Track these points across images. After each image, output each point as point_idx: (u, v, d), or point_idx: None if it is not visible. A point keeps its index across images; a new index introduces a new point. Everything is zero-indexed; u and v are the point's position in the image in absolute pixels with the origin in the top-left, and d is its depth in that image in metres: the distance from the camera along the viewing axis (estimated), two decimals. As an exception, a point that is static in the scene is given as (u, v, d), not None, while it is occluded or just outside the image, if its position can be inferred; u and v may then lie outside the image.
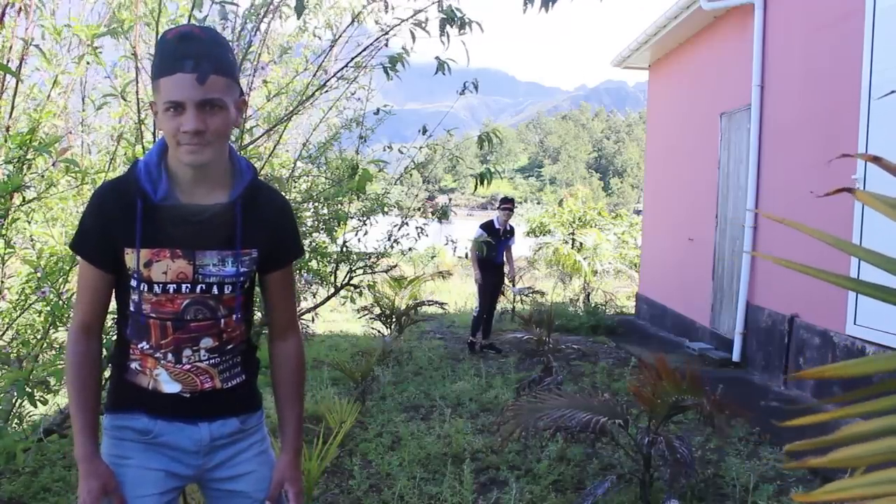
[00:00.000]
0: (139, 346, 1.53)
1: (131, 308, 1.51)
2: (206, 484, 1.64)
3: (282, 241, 1.61)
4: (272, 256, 1.60)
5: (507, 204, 7.81)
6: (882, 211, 0.77)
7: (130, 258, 1.47)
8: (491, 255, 7.53)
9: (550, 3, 2.51)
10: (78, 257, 1.52)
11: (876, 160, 0.79)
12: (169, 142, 1.43)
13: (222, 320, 1.54)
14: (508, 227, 7.80)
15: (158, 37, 1.57)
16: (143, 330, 1.51)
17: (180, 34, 1.40)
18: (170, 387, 1.54)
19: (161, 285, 1.48)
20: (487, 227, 7.70)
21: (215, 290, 1.52)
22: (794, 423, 0.78)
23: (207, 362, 1.55)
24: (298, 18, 2.69)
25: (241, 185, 1.52)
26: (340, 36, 4.43)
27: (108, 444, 1.56)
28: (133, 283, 1.49)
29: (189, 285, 1.49)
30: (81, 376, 1.51)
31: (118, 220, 1.46)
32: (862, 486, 0.68)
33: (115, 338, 1.63)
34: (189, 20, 2.89)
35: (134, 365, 1.55)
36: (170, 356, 1.52)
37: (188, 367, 1.53)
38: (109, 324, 1.99)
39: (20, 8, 2.92)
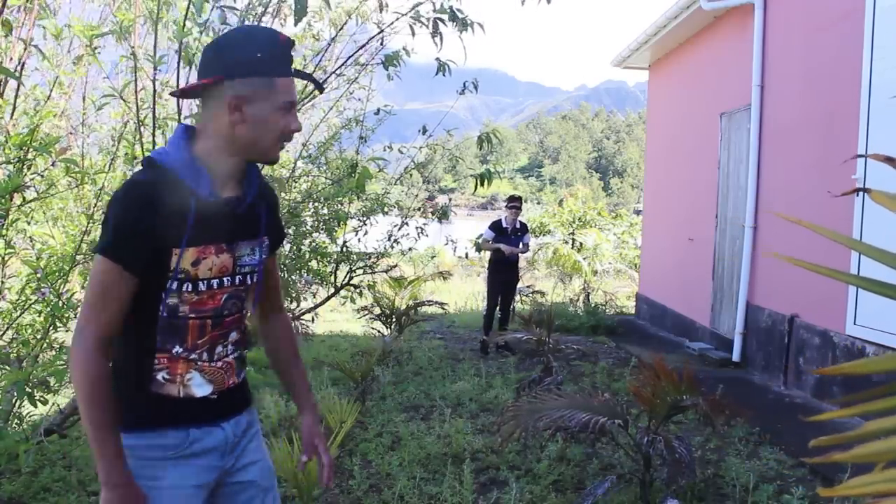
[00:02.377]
0: (172, 350, 1.48)
1: (163, 312, 1.45)
2: (220, 485, 1.62)
3: (279, 226, 1.73)
4: (273, 242, 1.68)
5: (515, 203, 7.54)
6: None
7: (177, 258, 1.43)
8: (500, 254, 7.39)
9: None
10: (108, 263, 1.39)
11: (889, 160, 0.78)
12: (264, 136, 1.46)
13: (245, 311, 1.60)
14: (518, 225, 7.51)
15: (227, 32, 1.59)
16: (178, 332, 1.48)
17: (287, 40, 1.47)
18: (201, 389, 1.52)
19: (205, 282, 1.48)
20: (496, 226, 7.55)
21: (248, 279, 1.57)
22: (812, 420, 0.78)
23: (233, 356, 1.58)
24: (296, 25, 2.68)
25: (257, 177, 1.56)
26: (339, 33, 4.43)
27: (132, 466, 1.46)
28: (173, 284, 1.44)
29: (230, 278, 1.52)
30: (105, 397, 1.40)
31: (167, 220, 1.40)
32: (883, 482, 0.68)
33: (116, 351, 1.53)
34: (185, 19, 2.89)
35: (160, 375, 1.48)
36: (205, 355, 1.52)
37: (219, 364, 1.55)
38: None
39: (22, 9, 2.92)
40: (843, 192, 0.83)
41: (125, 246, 1.39)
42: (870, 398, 0.71)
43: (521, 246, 7.51)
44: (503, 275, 7.52)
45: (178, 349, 1.48)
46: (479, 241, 7.88)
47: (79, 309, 1.74)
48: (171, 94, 1.74)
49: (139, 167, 1.49)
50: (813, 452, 0.75)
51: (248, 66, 1.41)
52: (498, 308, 7.64)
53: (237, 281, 1.54)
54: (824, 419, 0.79)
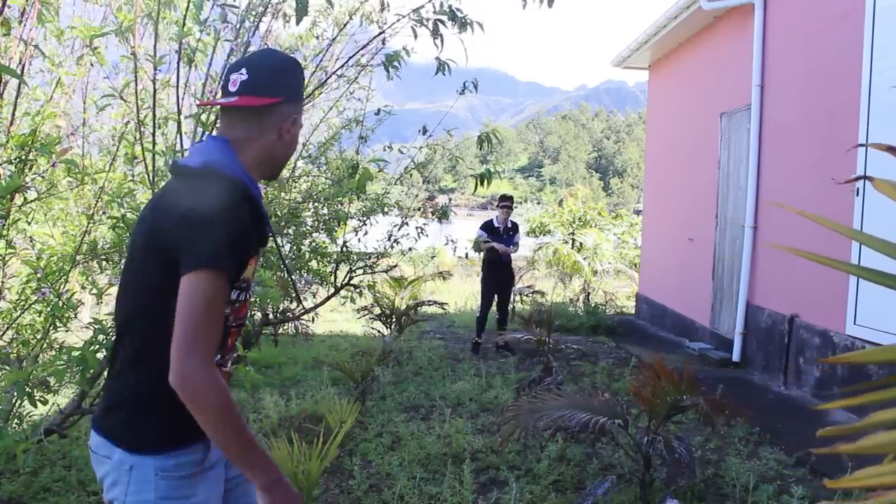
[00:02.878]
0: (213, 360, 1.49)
1: None
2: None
3: None
4: None
5: (506, 202, 7.61)
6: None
7: (249, 268, 1.46)
8: (494, 254, 7.42)
9: None
10: (219, 276, 1.36)
11: (892, 150, 0.78)
12: (290, 155, 1.60)
13: None
14: (510, 225, 7.57)
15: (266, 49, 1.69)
16: (223, 341, 1.48)
17: None
18: None
19: (249, 291, 1.52)
20: (487, 227, 7.57)
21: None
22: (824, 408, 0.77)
23: (232, 359, 1.61)
24: (297, 24, 2.69)
25: None
26: (339, 33, 4.44)
27: (167, 487, 1.42)
28: (234, 294, 1.45)
29: (253, 285, 1.57)
30: (235, 407, 1.38)
31: (254, 230, 1.46)
32: (891, 474, 0.67)
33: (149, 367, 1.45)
34: (185, 18, 2.89)
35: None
36: (228, 361, 1.55)
37: (228, 368, 1.57)
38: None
39: (23, 10, 2.92)
40: (846, 179, 0.82)
41: (233, 257, 1.38)
42: (868, 389, 0.71)
43: (511, 247, 7.53)
44: (497, 275, 7.52)
45: (217, 357, 1.48)
46: (479, 240, 7.93)
47: (78, 309, 1.73)
48: (213, 103, 1.78)
49: (213, 179, 1.44)
50: (819, 445, 0.74)
51: (300, 92, 1.58)
52: (495, 308, 7.63)
53: (253, 287, 1.59)
54: (830, 407, 0.79)
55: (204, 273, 1.33)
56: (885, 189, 0.77)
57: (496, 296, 7.58)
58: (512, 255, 7.63)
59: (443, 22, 2.91)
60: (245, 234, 1.42)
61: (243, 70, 1.50)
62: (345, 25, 4.22)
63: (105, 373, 2.84)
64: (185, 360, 1.31)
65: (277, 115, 1.51)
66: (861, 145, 0.77)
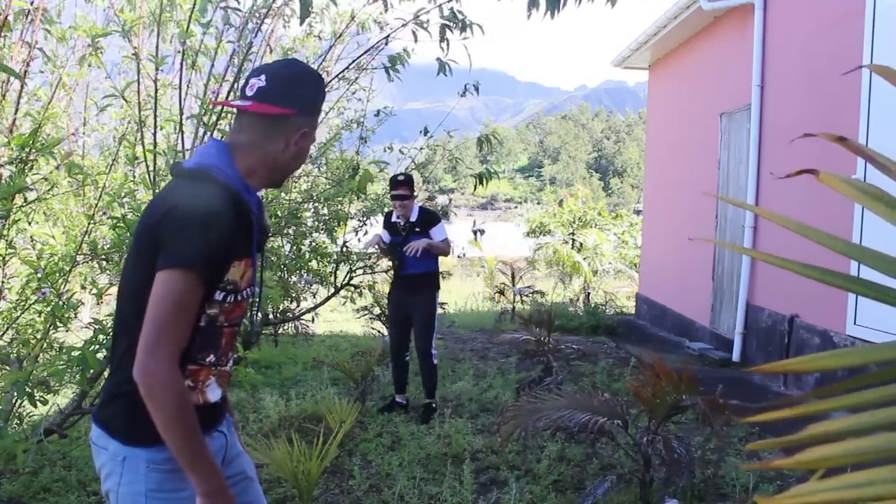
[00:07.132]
0: (206, 359, 1.50)
1: (202, 323, 1.46)
2: None
3: None
4: None
5: (398, 189, 4.75)
6: (845, 193, 0.75)
7: (236, 271, 1.47)
8: (394, 259, 4.93)
9: (557, 10, 2.51)
10: (191, 277, 1.38)
11: (841, 140, 0.78)
12: (296, 167, 1.61)
13: None
14: (415, 218, 4.81)
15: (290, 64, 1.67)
16: (214, 341, 1.50)
17: None
18: (214, 394, 1.54)
19: (241, 293, 1.52)
20: (386, 221, 5.05)
21: (256, 287, 1.61)
22: (758, 419, 0.76)
23: (232, 360, 1.62)
24: (301, 25, 2.70)
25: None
26: (341, 36, 4.44)
27: (157, 479, 1.44)
28: (220, 295, 1.47)
29: (251, 287, 1.56)
30: (192, 409, 1.40)
31: (238, 234, 1.46)
32: (831, 490, 0.63)
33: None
34: (189, 21, 2.90)
35: (186, 384, 1.47)
36: (227, 361, 1.57)
37: (229, 367, 1.58)
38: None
39: (27, 13, 2.92)
40: (787, 174, 0.80)
41: (210, 260, 1.40)
42: (832, 394, 0.70)
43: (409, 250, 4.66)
44: (394, 294, 5.04)
45: (210, 357, 1.50)
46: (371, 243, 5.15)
47: (78, 309, 1.74)
48: (227, 104, 1.79)
49: (201, 181, 1.46)
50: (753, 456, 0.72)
51: (316, 106, 1.59)
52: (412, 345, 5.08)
53: (255, 290, 1.59)
54: (768, 419, 0.77)
55: (176, 273, 1.36)
56: (830, 182, 0.76)
57: (400, 326, 4.99)
58: (446, 259, 5.32)
59: (449, 27, 2.92)
60: (223, 239, 1.41)
61: (263, 76, 1.51)
62: (343, 32, 4.22)
63: (106, 372, 2.85)
64: (149, 356, 1.34)
65: (287, 126, 1.52)
66: (809, 135, 0.74)
